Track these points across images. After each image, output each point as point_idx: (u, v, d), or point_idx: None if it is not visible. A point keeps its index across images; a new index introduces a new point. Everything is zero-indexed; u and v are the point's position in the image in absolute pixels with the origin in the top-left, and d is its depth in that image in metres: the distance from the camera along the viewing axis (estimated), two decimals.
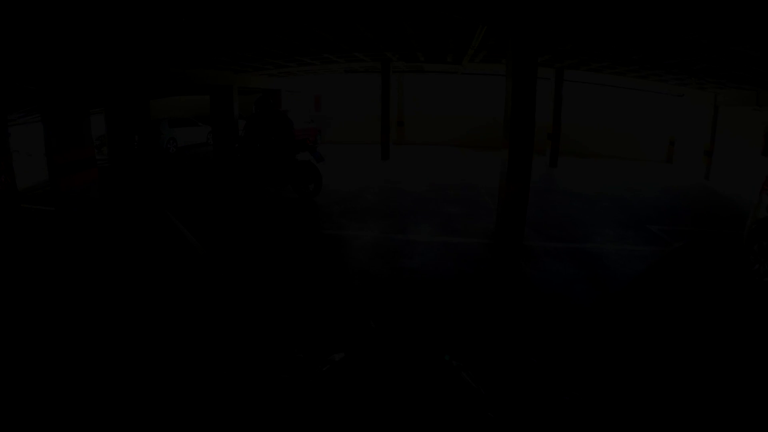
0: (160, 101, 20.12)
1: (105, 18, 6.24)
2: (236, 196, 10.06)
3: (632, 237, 7.54)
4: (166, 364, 1.10)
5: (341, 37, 9.64)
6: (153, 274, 1.17)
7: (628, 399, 1.02)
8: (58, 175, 7.27)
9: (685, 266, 1.02)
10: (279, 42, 9.64)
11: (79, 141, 7.60)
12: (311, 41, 9.85)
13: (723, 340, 1.03)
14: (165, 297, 1.15)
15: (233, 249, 6.52)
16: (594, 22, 7.01)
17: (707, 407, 0.96)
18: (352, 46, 10.81)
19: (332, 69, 15.79)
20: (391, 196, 9.99)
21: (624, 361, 1.10)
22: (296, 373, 1.17)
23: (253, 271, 5.65)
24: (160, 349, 1.12)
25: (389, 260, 6.17)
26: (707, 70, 9.93)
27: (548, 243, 7.08)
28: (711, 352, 1.04)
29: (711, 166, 14.28)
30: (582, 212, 9.08)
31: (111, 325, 1.15)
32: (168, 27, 7.20)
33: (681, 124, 16.94)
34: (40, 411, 1.12)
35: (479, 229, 7.68)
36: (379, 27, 8.72)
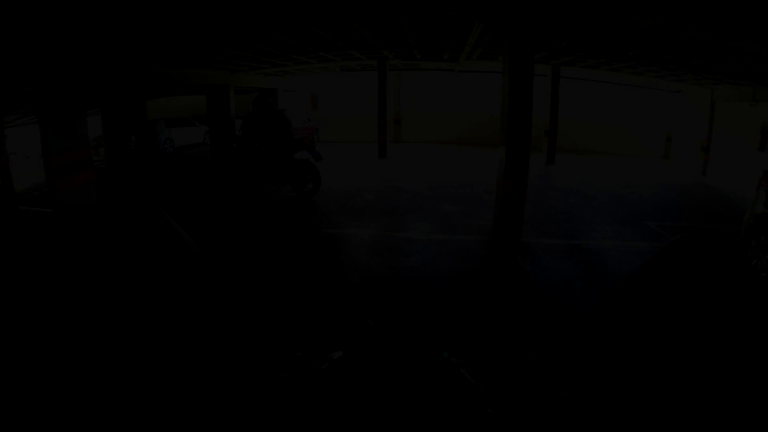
0: (156, 101, 20.09)
1: (101, 18, 6.22)
2: (234, 195, 10.05)
3: (630, 233, 7.55)
4: (164, 364, 1.10)
5: (337, 36, 9.62)
6: (150, 274, 1.17)
7: (627, 394, 1.02)
8: (55, 176, 7.25)
9: (682, 260, 1.02)
10: (275, 41, 9.62)
11: (76, 142, 7.58)
12: (307, 40, 9.84)
13: (721, 335, 1.03)
14: (162, 297, 1.15)
15: (231, 249, 6.51)
16: (590, 18, 7.01)
17: (706, 402, 0.97)
18: (348, 44, 10.80)
19: (329, 67, 15.77)
20: (389, 195, 9.99)
21: (622, 357, 1.10)
22: (295, 371, 1.17)
23: (251, 270, 5.65)
24: (158, 348, 1.11)
25: (387, 258, 6.17)
26: (703, 66, 9.95)
27: (546, 240, 7.08)
28: (709, 348, 1.04)
29: (708, 162, 14.30)
30: (579, 209, 9.09)
31: (109, 324, 1.14)
32: (164, 27, 7.18)
33: (678, 120, 16.96)
34: (39, 411, 1.11)
35: (477, 226, 7.68)
36: (375, 25, 8.71)
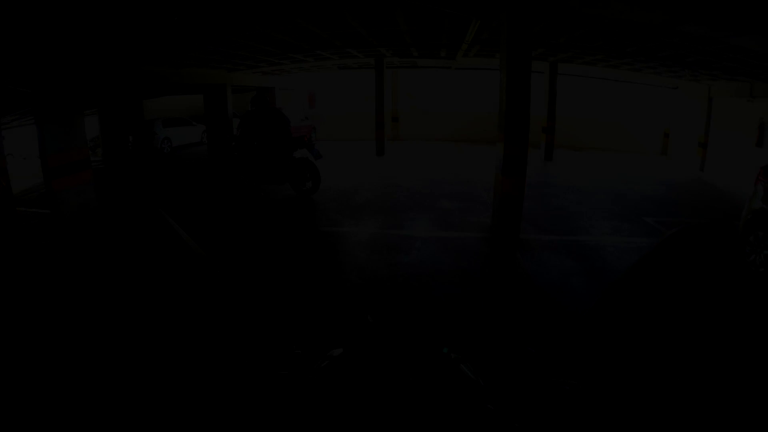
0: (153, 101, 20.05)
1: (98, 18, 6.21)
2: (233, 194, 10.04)
3: (628, 229, 7.57)
4: (165, 363, 1.10)
5: (334, 34, 9.61)
6: (150, 274, 1.17)
7: (627, 390, 1.03)
8: (53, 177, 7.23)
9: (680, 253, 1.02)
10: (272, 39, 9.61)
11: (73, 143, 7.56)
12: (304, 38, 9.82)
13: (719, 330, 1.03)
14: (163, 297, 1.15)
15: (230, 247, 6.51)
16: (587, 13, 7.01)
17: (705, 399, 0.97)
18: (345, 42, 10.79)
19: (326, 66, 15.76)
20: (387, 192, 9.99)
21: (621, 353, 1.10)
22: (295, 369, 1.17)
23: (251, 268, 5.65)
24: (159, 348, 1.12)
25: (386, 256, 6.17)
26: (701, 62, 9.96)
27: (545, 236, 7.10)
28: (707, 344, 1.05)
29: (706, 158, 14.32)
30: (578, 205, 9.10)
31: (109, 324, 1.15)
32: (161, 26, 7.17)
33: (675, 116, 16.98)
34: (39, 411, 1.12)
35: (475, 223, 7.69)
36: (372, 23, 8.70)
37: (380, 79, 15.08)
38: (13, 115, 12.47)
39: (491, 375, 1.16)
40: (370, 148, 15.86)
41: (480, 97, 19.87)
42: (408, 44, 11.45)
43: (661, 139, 17.82)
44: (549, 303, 4.86)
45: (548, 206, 8.97)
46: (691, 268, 1.06)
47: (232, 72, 14.68)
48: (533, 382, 1.13)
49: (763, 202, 5.59)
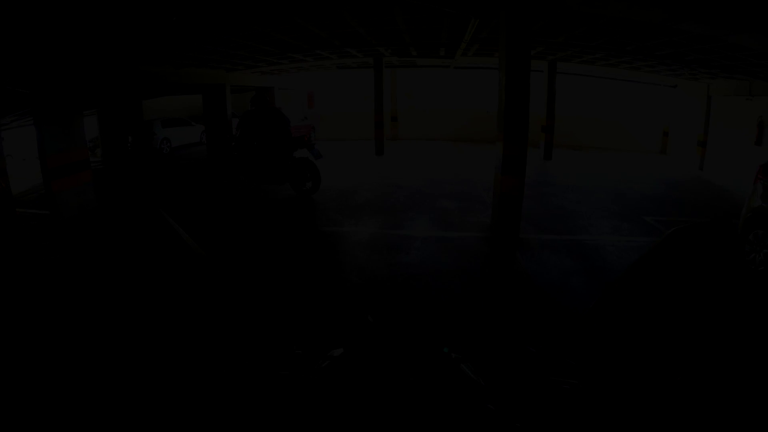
0: (152, 101, 20.03)
1: (97, 19, 6.20)
2: (232, 194, 10.04)
3: (627, 228, 7.57)
4: (165, 364, 1.10)
5: (333, 33, 9.61)
6: (151, 275, 1.17)
7: (628, 389, 1.03)
8: (52, 178, 7.23)
9: (679, 252, 1.02)
10: (271, 39, 9.60)
11: (73, 143, 7.55)
12: (303, 38, 9.82)
13: (719, 329, 1.03)
14: (164, 297, 1.15)
15: (231, 247, 6.51)
16: (586, 12, 7.01)
17: (705, 399, 0.97)
18: (344, 41, 10.78)
19: (324, 65, 15.76)
20: (387, 192, 9.99)
21: (621, 352, 1.11)
22: (295, 369, 1.17)
23: (251, 269, 5.65)
24: (159, 348, 1.12)
25: (386, 256, 6.17)
26: (700, 61, 9.96)
27: (544, 235, 7.10)
28: (707, 343, 1.05)
29: (705, 157, 14.33)
30: (577, 204, 9.11)
31: (109, 324, 1.15)
32: (160, 26, 7.16)
33: (675, 115, 16.98)
34: (39, 411, 1.12)
35: (475, 222, 7.69)
36: (371, 22, 8.70)
37: (379, 79, 15.08)
38: (12, 115, 12.46)
39: (492, 375, 1.16)
40: (369, 148, 15.86)
41: (479, 97, 19.88)
42: (407, 43, 11.45)
43: (660, 137, 17.83)
44: (549, 302, 4.86)
45: (548, 205, 8.97)
46: (690, 267, 1.06)
47: (230, 72, 14.67)
48: (534, 381, 1.14)
49: (763, 201, 5.60)
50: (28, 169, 15.34)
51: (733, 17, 5.31)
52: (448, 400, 1.05)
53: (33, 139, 7.98)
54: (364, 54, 13.30)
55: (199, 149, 18.61)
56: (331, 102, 22.79)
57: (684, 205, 9.71)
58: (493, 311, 4.68)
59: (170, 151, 18.33)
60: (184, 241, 1.17)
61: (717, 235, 1.09)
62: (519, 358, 1.19)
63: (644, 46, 9.30)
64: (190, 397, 1.06)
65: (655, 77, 15.08)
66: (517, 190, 6.66)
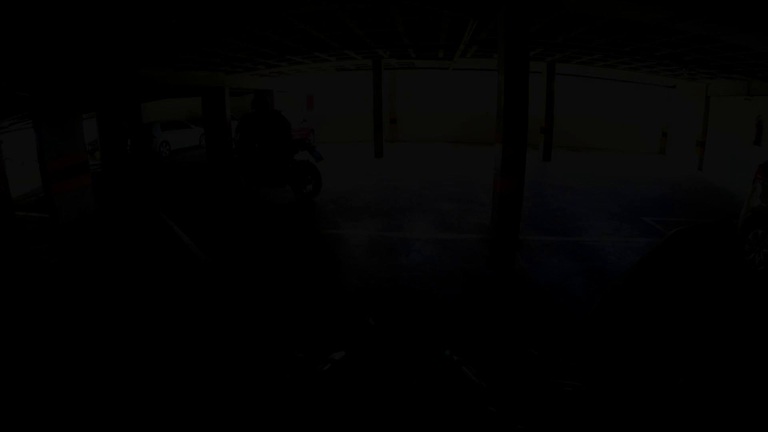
0: (151, 104, 20.04)
1: (96, 22, 6.20)
2: (232, 197, 10.03)
3: (627, 229, 7.57)
4: (167, 367, 1.10)
5: (332, 35, 9.62)
6: (151, 277, 1.17)
7: (630, 390, 1.03)
8: (51, 181, 7.23)
9: (680, 253, 1.02)
10: (270, 41, 9.61)
11: (72, 146, 7.56)
12: (302, 40, 9.82)
13: (720, 330, 1.03)
14: (166, 301, 1.15)
15: (231, 250, 6.50)
16: (585, 13, 7.03)
17: (706, 399, 0.97)
18: (343, 44, 10.79)
19: (323, 68, 15.76)
20: (387, 194, 9.99)
21: (623, 354, 1.11)
22: (297, 373, 1.17)
23: (252, 272, 5.64)
24: (160, 351, 1.12)
25: (386, 258, 6.17)
26: (698, 61, 9.98)
27: (544, 237, 7.10)
28: (708, 343, 1.05)
29: (704, 157, 14.34)
30: (576, 205, 9.11)
31: (111, 328, 1.15)
32: (159, 29, 7.16)
33: (673, 115, 17.00)
34: (39, 411, 1.11)
35: (475, 224, 7.69)
36: (369, 24, 8.71)
37: (378, 81, 15.09)
38: (12, 118, 12.46)
39: (494, 377, 1.16)
40: (368, 150, 15.86)
41: (478, 98, 19.87)
42: (406, 45, 11.46)
43: (659, 138, 17.85)
44: (549, 304, 4.86)
45: (547, 207, 8.97)
46: (691, 268, 1.07)
47: (229, 74, 14.67)
48: (536, 383, 1.13)
49: (762, 200, 5.60)
50: (27, 172, 15.33)
51: (731, 17, 5.32)
52: (450, 402, 1.05)
53: (32, 142, 7.97)
54: (363, 56, 13.31)
55: (198, 152, 18.61)
56: (331, 105, 22.78)
57: (683, 205, 9.71)
58: (494, 313, 4.68)
59: (169, 154, 18.32)
60: (185, 244, 1.17)
61: (718, 236, 1.09)
62: (521, 360, 1.19)
63: (643, 47, 9.32)
64: (193, 400, 1.06)
65: (654, 78, 15.10)
66: (517, 192, 6.66)
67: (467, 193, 10.03)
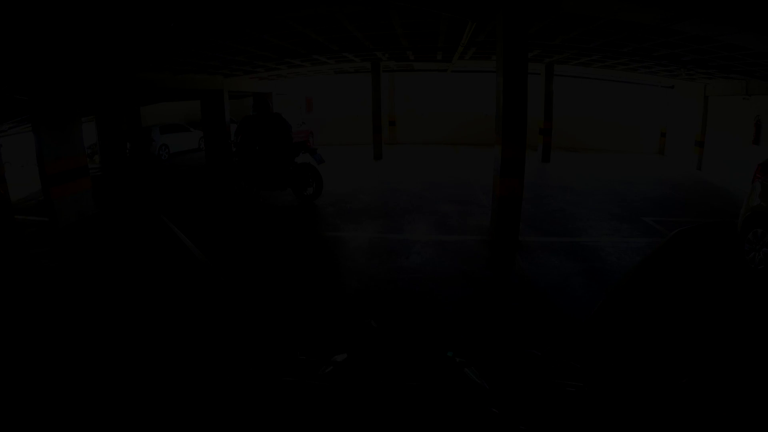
0: (151, 108, 20.04)
1: (95, 25, 6.21)
2: (233, 200, 10.03)
3: (627, 229, 7.57)
4: (169, 370, 1.10)
5: (331, 38, 9.62)
6: (152, 280, 1.17)
7: (632, 391, 1.03)
8: (51, 184, 7.23)
9: (681, 254, 1.02)
10: (269, 44, 9.61)
11: (71, 150, 7.56)
12: (301, 43, 9.83)
13: (721, 330, 1.03)
14: (167, 304, 1.15)
15: (232, 253, 6.50)
16: (583, 15, 7.04)
17: (709, 400, 0.97)
18: (342, 46, 10.80)
19: (322, 70, 15.79)
20: (386, 196, 9.99)
21: (626, 354, 1.11)
22: (299, 375, 1.17)
23: (254, 275, 5.64)
24: (162, 354, 1.11)
25: (387, 260, 6.17)
26: (696, 61, 9.99)
27: (544, 238, 7.10)
28: (711, 343, 1.05)
29: (703, 157, 14.35)
30: (576, 206, 9.11)
31: (112, 331, 1.14)
32: (158, 33, 7.17)
33: (672, 115, 17.02)
34: (39, 411, 1.11)
35: (474, 226, 7.69)
36: (368, 26, 8.72)
37: (377, 83, 15.11)
38: (11, 122, 12.46)
39: (496, 378, 1.16)
40: (367, 153, 15.87)
41: (477, 100, 19.88)
42: (404, 47, 11.47)
43: (657, 138, 17.87)
44: (550, 305, 4.86)
45: (547, 208, 8.97)
46: (695, 267, 1.07)
47: (228, 77, 14.69)
48: (538, 384, 1.13)
49: (762, 200, 5.60)
50: (26, 176, 15.31)
51: (730, 17, 5.33)
52: (452, 404, 1.05)
53: (31, 145, 7.97)
54: (362, 59, 13.33)
55: (197, 155, 18.61)
56: (329, 107, 22.78)
57: (683, 205, 9.72)
58: (495, 315, 4.68)
59: (169, 157, 18.31)
60: (186, 247, 1.17)
61: (720, 236, 1.09)
62: (523, 361, 1.19)
63: (641, 48, 9.33)
64: (195, 401, 1.06)
65: (652, 78, 15.13)
66: (516, 193, 6.66)
67: (467, 195, 10.03)
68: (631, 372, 1.06)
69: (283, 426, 1.04)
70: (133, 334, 1.13)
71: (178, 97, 16.82)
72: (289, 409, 1.07)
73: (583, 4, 6.43)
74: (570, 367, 1.14)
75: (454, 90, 20.84)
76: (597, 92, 19.31)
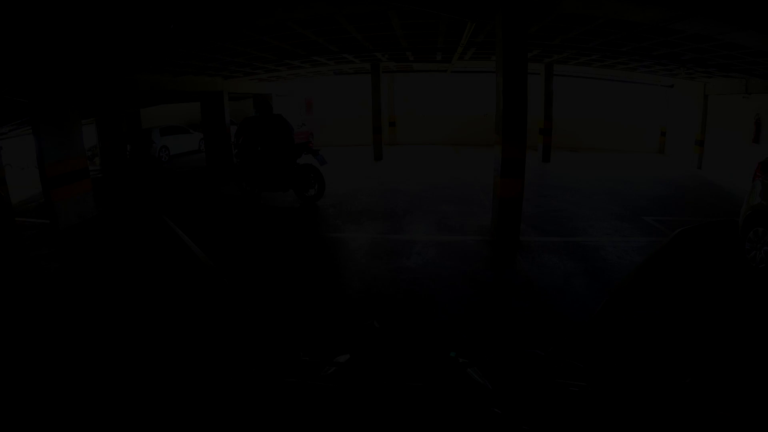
0: (150, 110, 20.06)
1: (95, 27, 6.21)
2: (233, 201, 10.03)
3: (627, 229, 7.57)
4: (172, 372, 1.10)
5: (330, 39, 9.63)
6: (155, 281, 1.17)
7: (635, 391, 1.03)
8: (51, 187, 7.23)
9: (685, 253, 1.02)
10: (269, 46, 9.62)
11: (71, 152, 7.55)
12: (301, 44, 9.84)
13: (724, 330, 1.03)
14: (168, 304, 1.15)
15: (235, 255, 6.50)
16: (582, 14, 7.04)
17: (711, 400, 0.97)
18: (341, 47, 10.81)
19: (322, 72, 15.80)
20: (387, 197, 9.99)
21: (629, 354, 1.11)
22: (302, 376, 1.17)
23: (256, 276, 5.64)
24: (165, 356, 1.11)
25: (388, 261, 6.17)
26: (696, 60, 10.00)
27: (545, 237, 7.10)
28: (716, 343, 1.05)
29: (703, 156, 14.35)
30: (576, 206, 9.11)
31: (113, 332, 1.14)
32: (157, 35, 7.17)
33: (672, 114, 17.02)
34: (39, 412, 1.11)
35: (475, 226, 7.69)
36: (367, 27, 8.73)
37: (377, 84, 15.12)
38: (11, 124, 12.47)
39: (499, 378, 1.16)
40: (367, 153, 15.88)
41: (477, 100, 19.89)
42: (404, 48, 11.48)
43: (658, 137, 17.87)
44: (551, 305, 4.86)
45: (547, 208, 8.97)
46: (699, 267, 1.07)
47: (228, 79, 14.70)
48: (541, 384, 1.13)
49: (762, 198, 5.60)
50: (27, 178, 15.33)
51: (730, 15, 5.34)
52: (455, 404, 1.05)
53: (32, 148, 7.98)
54: (361, 59, 13.33)
55: (197, 157, 18.63)
56: (329, 108, 22.79)
57: (683, 204, 9.72)
58: (496, 315, 4.68)
59: (169, 159, 18.34)
60: (189, 248, 1.17)
61: (724, 235, 1.09)
62: (526, 361, 1.19)
63: (640, 47, 9.34)
64: (198, 404, 1.06)
65: (652, 77, 15.13)
66: (517, 193, 6.66)
67: (467, 195, 10.03)
68: (635, 372, 1.06)
69: (286, 426, 1.04)
70: (137, 336, 1.13)
71: (178, 99, 16.84)
72: (292, 410, 1.07)
73: (582, 4, 6.43)
74: (573, 367, 1.14)
75: (454, 90, 20.85)
76: (597, 92, 19.31)
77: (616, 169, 14.07)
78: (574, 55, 11.77)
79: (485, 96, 18.10)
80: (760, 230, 5.51)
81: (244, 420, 1.03)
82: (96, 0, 5.19)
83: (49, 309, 4.33)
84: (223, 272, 1.19)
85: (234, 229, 8.03)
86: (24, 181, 14.67)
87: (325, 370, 1.20)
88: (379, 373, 1.14)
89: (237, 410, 1.03)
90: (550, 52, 11.65)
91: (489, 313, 4.72)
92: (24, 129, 13.44)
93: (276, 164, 9.21)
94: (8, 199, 7.40)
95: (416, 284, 5.40)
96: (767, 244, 5.42)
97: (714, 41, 7.47)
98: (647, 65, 12.25)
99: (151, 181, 13.69)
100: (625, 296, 1.09)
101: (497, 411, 1.04)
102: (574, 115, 19.05)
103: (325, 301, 4.95)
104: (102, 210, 8.54)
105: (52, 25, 5.82)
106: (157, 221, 1.20)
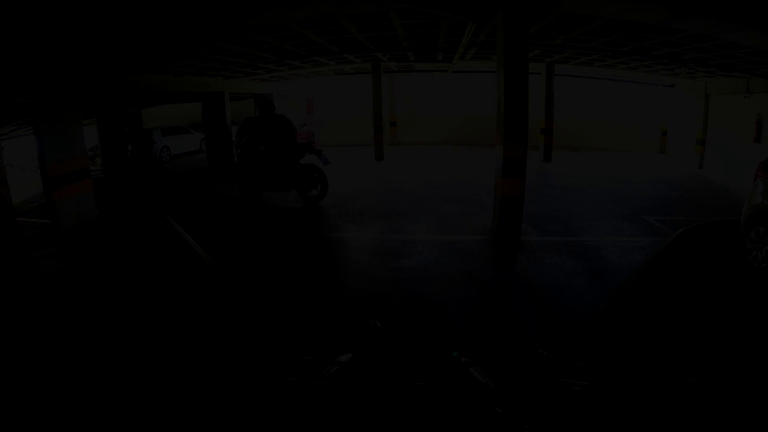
0: (151, 110, 20.09)
1: (96, 28, 6.22)
2: (234, 201, 10.03)
3: (629, 228, 7.57)
4: (173, 371, 1.10)
5: (332, 40, 9.64)
6: (157, 281, 1.17)
7: (638, 391, 1.03)
8: (52, 187, 7.24)
9: (688, 253, 1.02)
10: (270, 46, 9.63)
11: (73, 152, 7.57)
12: (302, 44, 9.85)
13: (727, 330, 1.03)
14: (170, 303, 1.15)
15: (237, 255, 6.50)
16: (582, 14, 7.04)
17: (713, 400, 0.97)
18: (342, 47, 10.82)
19: (323, 72, 15.81)
20: (388, 197, 9.99)
21: (632, 354, 1.10)
22: (304, 375, 1.17)
23: (259, 275, 5.64)
24: (166, 355, 1.12)
25: (389, 261, 6.17)
26: (697, 60, 9.99)
27: (546, 237, 7.09)
28: (719, 342, 1.05)
29: (704, 155, 14.34)
30: (578, 205, 9.10)
31: (114, 332, 1.15)
32: (158, 35, 7.18)
33: (673, 114, 17.01)
34: (40, 411, 1.11)
35: (477, 226, 7.68)
36: (368, 28, 8.73)
37: (378, 84, 15.13)
38: (12, 125, 12.49)
39: (501, 378, 1.16)
40: (369, 153, 15.87)
41: (478, 100, 19.90)
42: (405, 48, 11.49)
43: (659, 137, 17.86)
44: (553, 304, 4.85)
45: (549, 207, 8.97)
46: (700, 267, 1.07)
47: (229, 79, 14.71)
48: (544, 384, 1.13)
49: (763, 198, 5.60)
50: (28, 179, 15.35)
51: (731, 15, 5.33)
52: (457, 404, 1.05)
53: (33, 148, 7.99)
54: (362, 60, 13.34)
55: (199, 157, 18.64)
56: (330, 108, 22.81)
57: (685, 204, 9.71)
58: (498, 314, 4.67)
59: (170, 159, 18.36)
60: (192, 248, 1.17)
61: (726, 235, 1.09)
62: (528, 360, 1.19)
63: (641, 47, 9.33)
64: (199, 403, 1.06)
65: (653, 77, 15.12)
66: (518, 193, 6.66)
67: (468, 195, 10.02)
68: (638, 371, 1.06)
69: (288, 426, 1.04)
70: (138, 335, 1.13)
71: (180, 99, 16.87)
72: (294, 409, 1.07)
73: (583, 3, 6.44)
74: (575, 367, 1.14)
75: (455, 90, 20.88)
76: (598, 92, 19.32)
77: (617, 168, 14.06)
78: (575, 55, 11.76)
79: (486, 96, 18.10)
80: (762, 230, 5.51)
81: (247, 419, 1.03)
82: (98, 1, 5.20)
83: (50, 309, 4.33)
84: (226, 272, 1.19)
85: (236, 228, 8.03)
86: (25, 181, 14.69)
87: (327, 369, 1.20)
88: (381, 372, 1.14)
89: (239, 410, 1.03)
90: (551, 52, 11.65)
91: (491, 312, 4.72)
92: (25, 129, 13.46)
93: (279, 164, 9.20)
94: (9, 199, 7.41)
95: (418, 284, 5.40)
96: None
97: (715, 41, 7.47)
98: (648, 65, 12.25)
99: (153, 181, 13.70)
100: (627, 296, 1.09)
101: (499, 410, 1.04)
102: (575, 114, 19.05)
103: (326, 301, 4.95)
104: (103, 210, 8.55)
105: (54, 25, 5.83)
106: (159, 221, 1.20)
